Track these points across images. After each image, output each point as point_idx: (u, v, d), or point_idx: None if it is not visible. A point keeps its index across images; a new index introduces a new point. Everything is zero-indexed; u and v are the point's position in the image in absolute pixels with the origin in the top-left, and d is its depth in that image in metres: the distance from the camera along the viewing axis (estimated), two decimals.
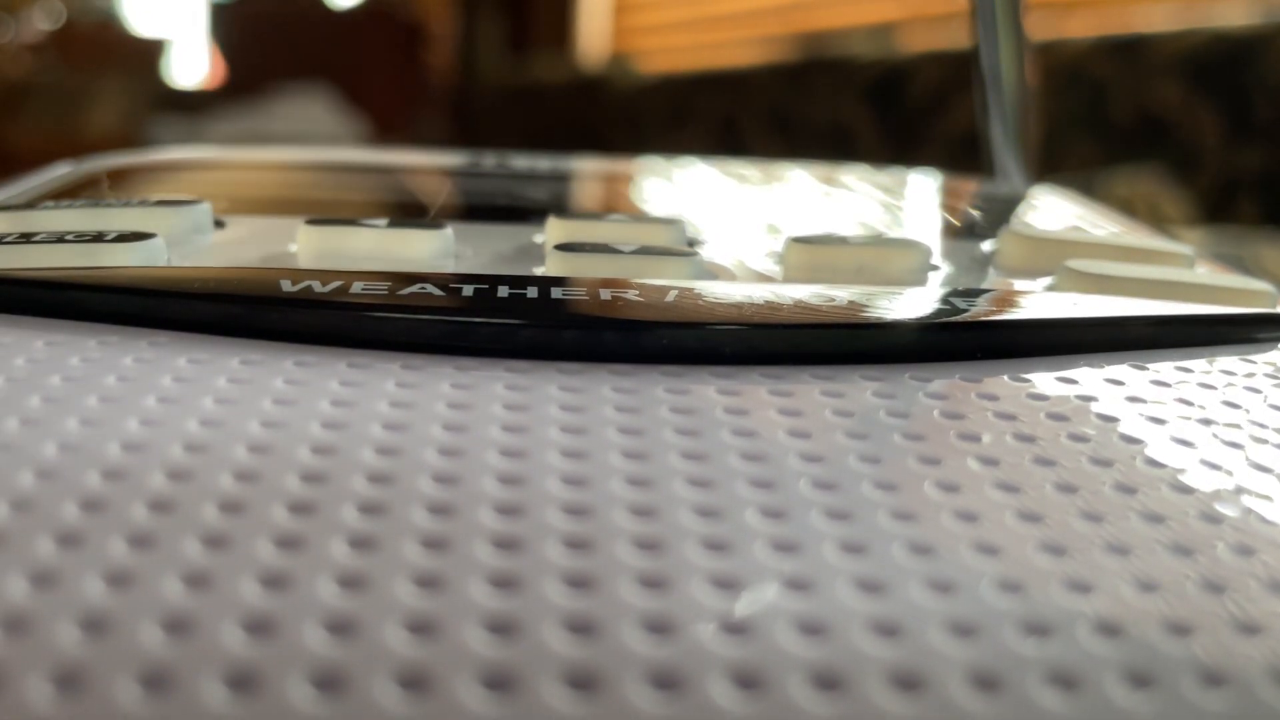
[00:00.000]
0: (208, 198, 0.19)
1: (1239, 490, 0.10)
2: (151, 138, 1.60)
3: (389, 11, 2.01)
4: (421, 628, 0.08)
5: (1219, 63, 0.83)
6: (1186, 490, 0.10)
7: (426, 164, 0.31)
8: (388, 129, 1.75)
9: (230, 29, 2.00)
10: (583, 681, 0.08)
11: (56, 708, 0.07)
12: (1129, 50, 0.89)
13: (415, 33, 1.98)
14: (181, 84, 1.98)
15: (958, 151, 0.92)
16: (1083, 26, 0.96)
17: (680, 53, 1.65)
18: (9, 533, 0.09)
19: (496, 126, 1.73)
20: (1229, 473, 0.11)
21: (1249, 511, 0.10)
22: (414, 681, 0.07)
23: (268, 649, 0.08)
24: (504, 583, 0.08)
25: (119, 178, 0.26)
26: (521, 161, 0.30)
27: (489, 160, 0.30)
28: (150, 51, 1.99)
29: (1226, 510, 0.10)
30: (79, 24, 1.90)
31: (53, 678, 0.07)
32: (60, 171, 0.26)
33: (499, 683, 0.08)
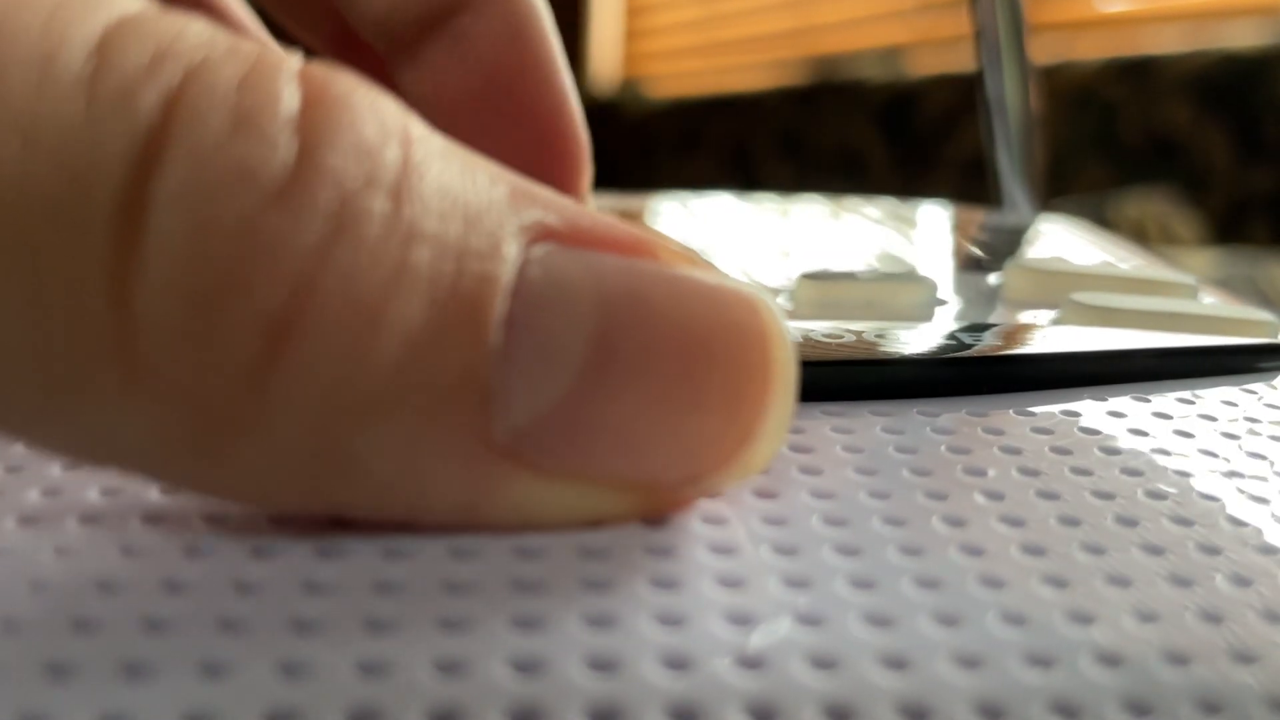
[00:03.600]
0: None
1: (1237, 522, 0.11)
2: None
3: None
4: (449, 666, 0.08)
5: (1228, 83, 0.83)
6: (1186, 522, 0.11)
7: None
8: None
9: None
10: (604, 715, 0.08)
11: None
12: (1138, 72, 0.89)
13: None
14: None
15: (968, 173, 0.93)
16: (1092, 48, 0.97)
17: (691, 78, 1.66)
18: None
19: None
20: (1228, 504, 0.11)
21: (1246, 543, 0.10)
22: (443, 718, 0.08)
23: (303, 690, 0.08)
24: (527, 624, 0.09)
25: None
26: None
27: None
28: None
29: (1225, 542, 0.10)
30: None
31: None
32: None
33: (525, 717, 0.08)
